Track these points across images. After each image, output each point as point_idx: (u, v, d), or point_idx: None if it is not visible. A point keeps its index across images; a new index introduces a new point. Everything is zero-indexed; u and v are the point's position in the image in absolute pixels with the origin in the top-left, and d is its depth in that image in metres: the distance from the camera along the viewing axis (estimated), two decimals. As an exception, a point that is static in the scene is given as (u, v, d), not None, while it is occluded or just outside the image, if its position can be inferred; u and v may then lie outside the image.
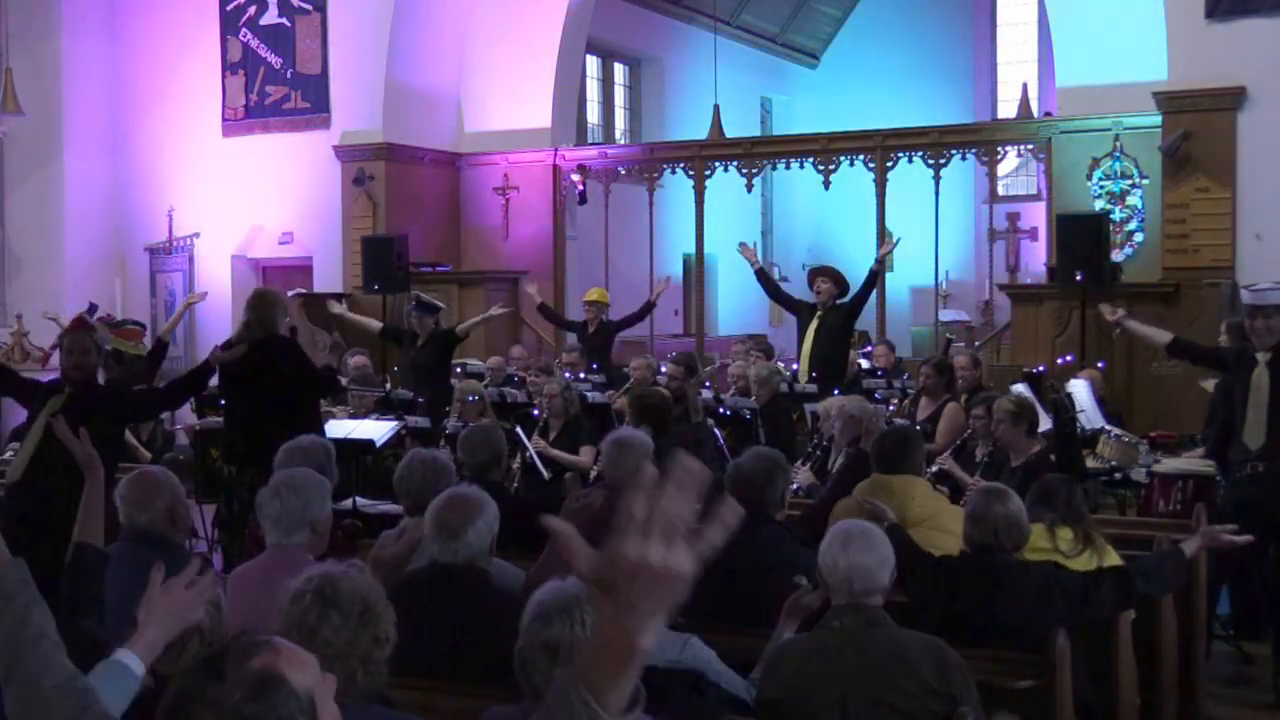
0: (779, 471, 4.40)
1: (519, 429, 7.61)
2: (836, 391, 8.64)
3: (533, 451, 7.45)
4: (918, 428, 7.81)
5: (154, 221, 14.31)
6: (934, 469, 6.93)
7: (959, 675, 3.29)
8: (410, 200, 13.66)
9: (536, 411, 8.19)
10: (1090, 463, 7.50)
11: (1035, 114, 13.39)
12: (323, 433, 6.78)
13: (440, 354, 9.64)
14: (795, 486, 6.81)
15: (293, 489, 4.03)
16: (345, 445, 6.81)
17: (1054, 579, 4.08)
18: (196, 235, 14.21)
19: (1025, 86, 13.63)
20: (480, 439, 5.48)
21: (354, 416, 8.13)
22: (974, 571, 4.01)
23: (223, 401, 8.84)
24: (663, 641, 3.29)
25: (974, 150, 12.93)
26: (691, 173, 14.03)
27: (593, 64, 18.19)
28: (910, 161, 13.12)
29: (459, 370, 10.12)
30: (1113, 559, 4.67)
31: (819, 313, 9.66)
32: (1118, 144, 11.49)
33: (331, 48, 13.55)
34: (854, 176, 13.68)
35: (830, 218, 20.64)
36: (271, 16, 13.79)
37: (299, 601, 2.61)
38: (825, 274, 9.85)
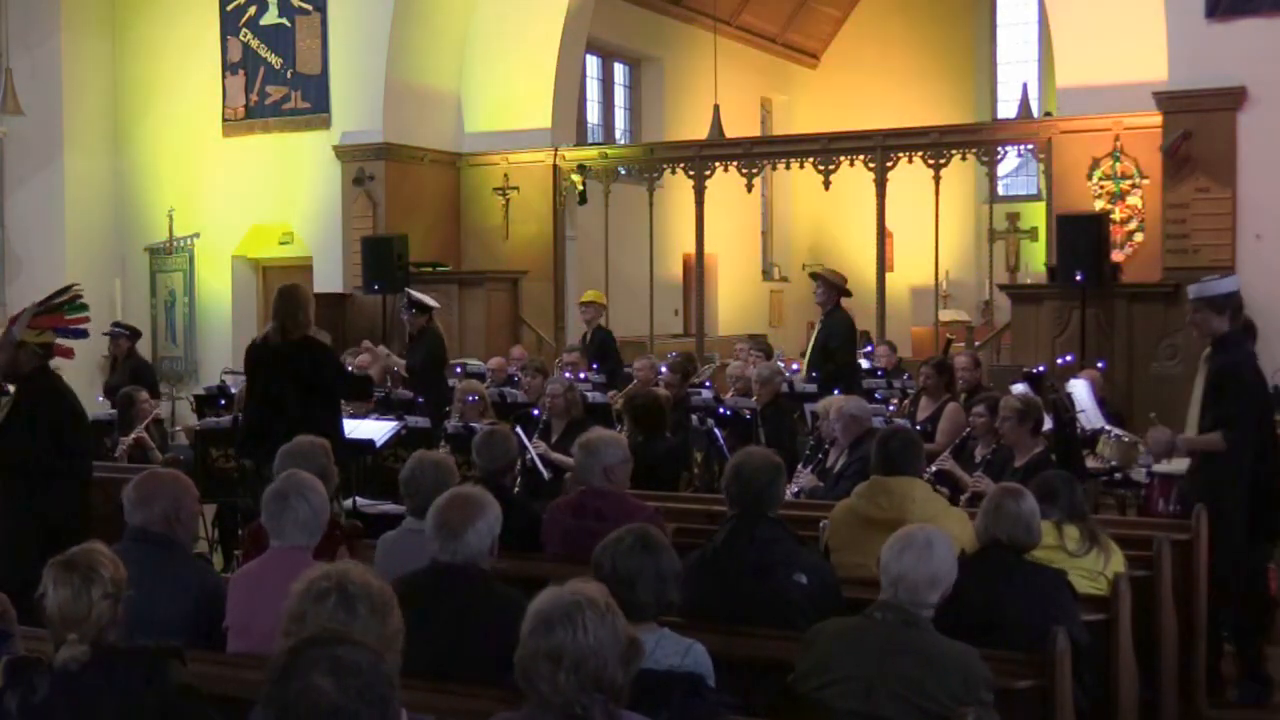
0: (777, 471, 4.40)
1: (519, 429, 7.58)
2: (837, 391, 8.64)
3: (534, 454, 7.43)
4: (918, 428, 7.83)
5: (154, 221, 14.31)
6: (933, 469, 6.93)
7: (984, 690, 3.36)
8: (410, 200, 13.66)
9: (536, 411, 8.15)
10: (1090, 463, 7.51)
11: (1035, 114, 13.38)
12: (341, 436, 6.77)
13: (424, 354, 9.59)
14: (796, 490, 6.81)
15: (303, 494, 4.03)
16: (346, 445, 6.81)
17: (1060, 587, 4.10)
18: (196, 235, 14.20)
19: (1025, 86, 13.63)
20: (497, 444, 5.44)
21: (354, 416, 8.12)
22: (982, 567, 4.05)
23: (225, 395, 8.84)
24: (665, 645, 3.29)
25: (974, 150, 12.93)
26: (691, 173, 14.03)
27: (593, 64, 18.17)
28: (910, 161, 13.12)
29: (459, 370, 10.10)
30: (1119, 559, 4.69)
31: (819, 315, 9.68)
32: (1118, 144, 11.49)
33: (331, 48, 13.55)
34: (854, 176, 13.67)
35: (830, 218, 20.62)
36: (271, 16, 13.79)
37: (324, 600, 2.59)
38: (820, 279, 9.86)
